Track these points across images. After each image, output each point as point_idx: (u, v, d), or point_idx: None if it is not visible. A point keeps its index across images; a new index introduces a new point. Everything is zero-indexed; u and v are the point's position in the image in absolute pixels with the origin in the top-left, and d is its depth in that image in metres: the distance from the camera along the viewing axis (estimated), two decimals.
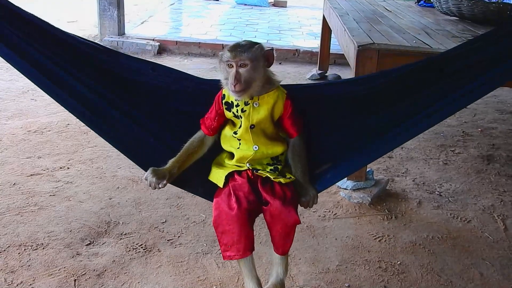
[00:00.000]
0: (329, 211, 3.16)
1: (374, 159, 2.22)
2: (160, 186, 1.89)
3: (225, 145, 1.98)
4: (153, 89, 2.08)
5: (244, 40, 1.89)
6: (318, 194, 2.02)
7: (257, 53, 1.83)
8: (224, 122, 1.97)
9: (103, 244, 2.72)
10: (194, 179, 2.04)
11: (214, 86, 1.95)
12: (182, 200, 3.19)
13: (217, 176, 1.95)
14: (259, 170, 1.91)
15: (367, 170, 3.38)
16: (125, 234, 2.82)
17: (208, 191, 1.99)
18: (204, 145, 1.98)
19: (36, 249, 2.64)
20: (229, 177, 1.92)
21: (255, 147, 1.89)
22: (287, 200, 1.85)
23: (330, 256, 2.74)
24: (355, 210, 3.20)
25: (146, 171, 1.92)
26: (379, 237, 2.93)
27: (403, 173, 3.76)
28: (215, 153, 2.04)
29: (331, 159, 2.07)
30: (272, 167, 1.94)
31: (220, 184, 1.91)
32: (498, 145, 4.36)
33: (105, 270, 2.52)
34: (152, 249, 2.71)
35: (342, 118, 2.07)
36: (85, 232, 2.81)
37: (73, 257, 2.60)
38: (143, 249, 2.70)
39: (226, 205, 1.84)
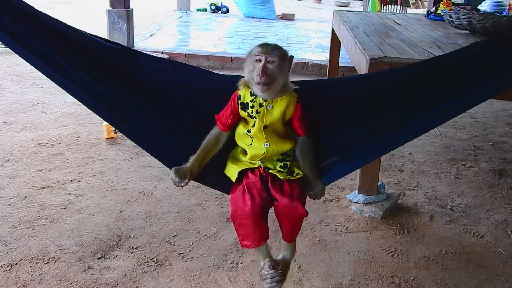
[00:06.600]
0: (341, 225, 3.14)
1: (381, 155, 2.29)
2: (182, 184, 1.99)
3: (239, 142, 2.07)
4: (173, 87, 2.12)
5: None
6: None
7: (284, 54, 1.94)
8: (238, 120, 2.04)
9: (114, 257, 2.71)
10: (212, 175, 2.12)
11: (234, 83, 2.00)
12: (193, 213, 3.18)
13: (231, 171, 2.04)
14: (270, 169, 1.99)
15: (379, 184, 3.36)
16: (136, 247, 2.81)
17: (225, 185, 2.08)
18: (219, 141, 2.07)
19: (47, 263, 2.64)
20: (242, 174, 2.02)
21: (267, 144, 1.98)
22: (294, 196, 1.95)
23: (342, 270, 2.71)
24: (367, 224, 3.17)
25: (169, 167, 2.02)
26: (391, 251, 2.90)
27: (415, 187, 3.74)
28: (230, 148, 2.11)
29: (339, 153, 2.12)
30: (281, 164, 2.02)
31: (233, 179, 2.01)
32: (509, 159, 4.32)
33: (117, 284, 2.51)
34: (164, 262, 2.69)
35: (351, 114, 2.13)
36: (96, 245, 2.81)
37: (84, 270, 2.59)
38: (155, 263, 2.68)
39: (241, 201, 1.95)
